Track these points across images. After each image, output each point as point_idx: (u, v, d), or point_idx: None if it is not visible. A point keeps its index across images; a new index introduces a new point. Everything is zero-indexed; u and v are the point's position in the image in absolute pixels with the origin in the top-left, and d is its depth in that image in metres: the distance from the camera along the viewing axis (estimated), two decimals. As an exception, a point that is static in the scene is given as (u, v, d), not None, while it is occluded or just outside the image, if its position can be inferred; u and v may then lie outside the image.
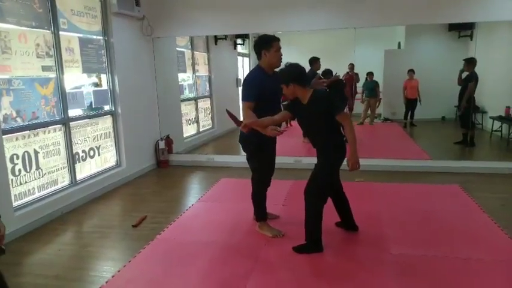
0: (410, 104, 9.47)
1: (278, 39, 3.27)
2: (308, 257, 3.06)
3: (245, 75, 3.47)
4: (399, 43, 10.89)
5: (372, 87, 9.58)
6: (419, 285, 2.64)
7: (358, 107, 10.58)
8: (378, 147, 7.31)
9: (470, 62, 6.66)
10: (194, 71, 7.92)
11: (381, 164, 5.76)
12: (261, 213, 3.55)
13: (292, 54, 12.79)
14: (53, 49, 4.20)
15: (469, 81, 6.66)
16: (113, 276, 2.88)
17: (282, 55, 3.27)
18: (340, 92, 7.83)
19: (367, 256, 3.06)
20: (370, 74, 9.58)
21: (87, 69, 4.80)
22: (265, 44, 3.22)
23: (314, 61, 7.58)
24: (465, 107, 6.70)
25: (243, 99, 3.24)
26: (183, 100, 7.41)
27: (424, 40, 10.52)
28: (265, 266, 2.97)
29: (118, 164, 5.39)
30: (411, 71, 9.42)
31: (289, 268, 2.92)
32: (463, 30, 8.91)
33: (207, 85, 8.65)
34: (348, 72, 9.88)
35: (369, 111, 9.83)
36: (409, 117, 9.64)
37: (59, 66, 4.26)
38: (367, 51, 11.31)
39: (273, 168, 3.62)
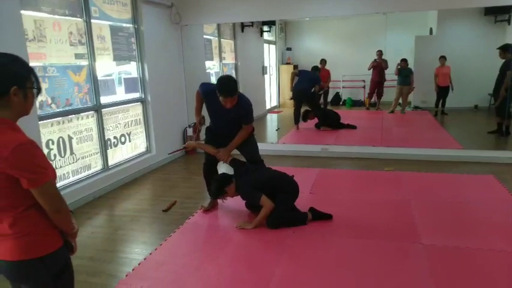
0: (442, 91, 9.18)
1: (224, 95, 3.27)
2: (336, 247, 3.05)
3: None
4: (431, 29, 10.54)
5: (405, 75, 9.25)
6: (452, 277, 2.59)
7: (388, 94, 10.37)
8: (408, 136, 7.16)
9: (506, 49, 6.35)
10: (221, 58, 7.93)
11: (411, 153, 5.63)
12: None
13: (320, 40, 12.66)
14: (85, 37, 4.28)
15: (507, 68, 6.36)
16: (144, 259, 2.96)
17: (227, 105, 3.34)
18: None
19: (397, 246, 3.02)
20: (403, 61, 9.25)
21: (118, 57, 4.88)
22: (217, 89, 3.32)
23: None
24: (504, 96, 6.41)
25: (200, 86, 3.71)
26: (210, 88, 7.44)
27: (458, 25, 10.14)
28: (293, 253, 2.98)
29: (148, 150, 5.50)
30: (443, 58, 9.11)
31: (317, 257, 2.92)
32: (500, 14, 8.54)
33: (234, 73, 8.65)
34: (375, 60, 9.66)
35: (401, 100, 9.58)
36: (440, 105, 9.36)
37: (91, 53, 4.35)
38: (397, 38, 11.05)
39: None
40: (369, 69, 9.83)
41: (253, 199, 3.39)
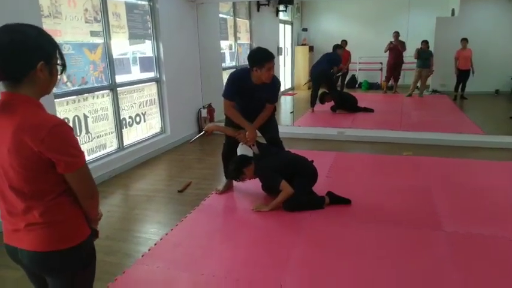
0: (462, 75, 8.93)
1: (271, 59, 3.24)
2: (355, 232, 2.99)
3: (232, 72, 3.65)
4: (453, 10, 10.23)
5: (425, 58, 8.95)
6: (477, 266, 2.51)
7: (405, 78, 10.13)
8: (427, 120, 7.00)
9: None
10: (236, 38, 7.79)
11: (430, 137, 5.50)
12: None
13: (337, 21, 12.37)
14: (100, 14, 4.20)
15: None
16: (160, 239, 2.94)
17: (271, 74, 3.28)
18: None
19: (418, 233, 2.94)
20: (424, 43, 8.94)
21: (133, 35, 4.80)
22: (257, 63, 3.23)
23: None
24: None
25: (222, 94, 3.49)
26: (225, 68, 7.33)
27: (481, 6, 9.81)
28: (310, 237, 2.93)
29: (163, 130, 5.47)
30: (464, 40, 8.82)
31: (335, 241, 2.86)
32: (528, -5, 8.20)
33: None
34: (391, 42, 9.39)
35: (419, 83, 9.34)
36: (459, 89, 9.12)
37: (106, 31, 4.27)
38: (417, 19, 10.73)
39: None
40: (385, 52, 9.58)
41: (273, 183, 3.33)
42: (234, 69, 3.81)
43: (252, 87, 3.38)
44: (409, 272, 2.45)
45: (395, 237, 2.89)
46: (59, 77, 1.32)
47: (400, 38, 9.44)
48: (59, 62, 1.28)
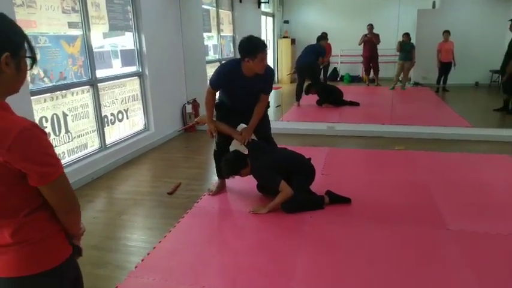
0: (444, 68, 8.95)
1: (264, 48, 3.06)
2: (358, 233, 2.85)
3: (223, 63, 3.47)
4: (434, 2, 10.22)
5: (408, 50, 8.91)
6: (489, 266, 2.41)
7: (387, 70, 10.07)
8: (414, 113, 6.96)
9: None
10: (219, 30, 7.53)
11: (420, 131, 5.44)
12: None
13: (319, 13, 12.18)
14: (78, 4, 3.89)
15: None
16: (154, 248, 2.72)
17: (264, 64, 3.09)
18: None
19: (424, 232, 2.83)
20: (406, 35, 8.89)
21: (113, 27, 4.50)
22: (250, 54, 3.03)
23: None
24: (511, 72, 6.21)
25: (209, 81, 3.32)
26: (208, 62, 7.07)
27: (462, -2, 9.85)
28: (313, 240, 2.77)
29: (146, 127, 5.18)
30: (447, 33, 8.84)
31: (339, 244, 2.72)
32: (509, -13, 8.27)
33: (231, 46, 8.28)
34: (366, 35, 9.31)
35: (401, 75, 9.31)
36: (441, 82, 9.15)
37: (85, 22, 3.97)
38: (401, 11, 10.65)
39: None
40: (359, 45, 9.52)
41: (271, 183, 3.15)
42: (226, 60, 3.57)
43: (244, 79, 3.17)
44: (423, 276, 2.33)
45: (403, 237, 2.77)
46: (28, 72, 1.12)
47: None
48: (27, 54, 1.09)
